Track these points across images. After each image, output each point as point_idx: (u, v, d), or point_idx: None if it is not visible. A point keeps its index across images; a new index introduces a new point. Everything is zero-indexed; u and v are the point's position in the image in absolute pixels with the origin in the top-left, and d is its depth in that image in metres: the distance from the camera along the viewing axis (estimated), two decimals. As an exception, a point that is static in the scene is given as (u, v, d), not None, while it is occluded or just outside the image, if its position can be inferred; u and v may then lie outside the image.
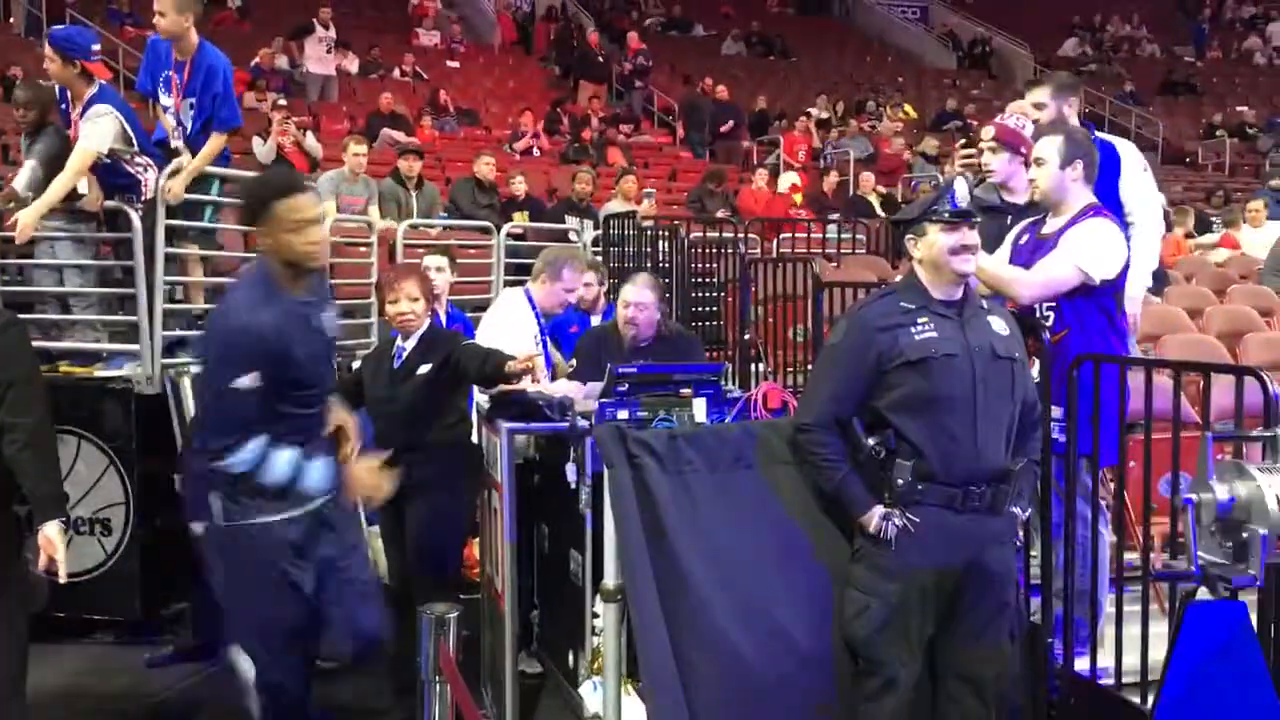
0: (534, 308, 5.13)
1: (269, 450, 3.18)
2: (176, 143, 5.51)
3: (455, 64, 18.10)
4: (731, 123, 16.15)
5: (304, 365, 3.25)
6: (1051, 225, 3.87)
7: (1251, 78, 23.11)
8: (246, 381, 3.10)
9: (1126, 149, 4.41)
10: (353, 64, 16.62)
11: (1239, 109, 20.55)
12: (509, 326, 4.99)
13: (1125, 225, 4.05)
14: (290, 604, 3.24)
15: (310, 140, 11.12)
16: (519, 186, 10.35)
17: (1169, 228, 10.83)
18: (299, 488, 3.24)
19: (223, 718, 3.58)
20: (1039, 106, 4.43)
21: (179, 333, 5.58)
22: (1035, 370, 3.61)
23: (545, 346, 5.08)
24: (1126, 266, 3.85)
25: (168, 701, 4.66)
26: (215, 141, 5.48)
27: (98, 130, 5.16)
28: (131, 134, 5.34)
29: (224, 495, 3.21)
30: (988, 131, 4.42)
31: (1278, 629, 2.98)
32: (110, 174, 5.30)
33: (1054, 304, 3.77)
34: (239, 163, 9.97)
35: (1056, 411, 3.63)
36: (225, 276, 5.95)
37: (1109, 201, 4.09)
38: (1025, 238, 3.94)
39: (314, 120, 13.43)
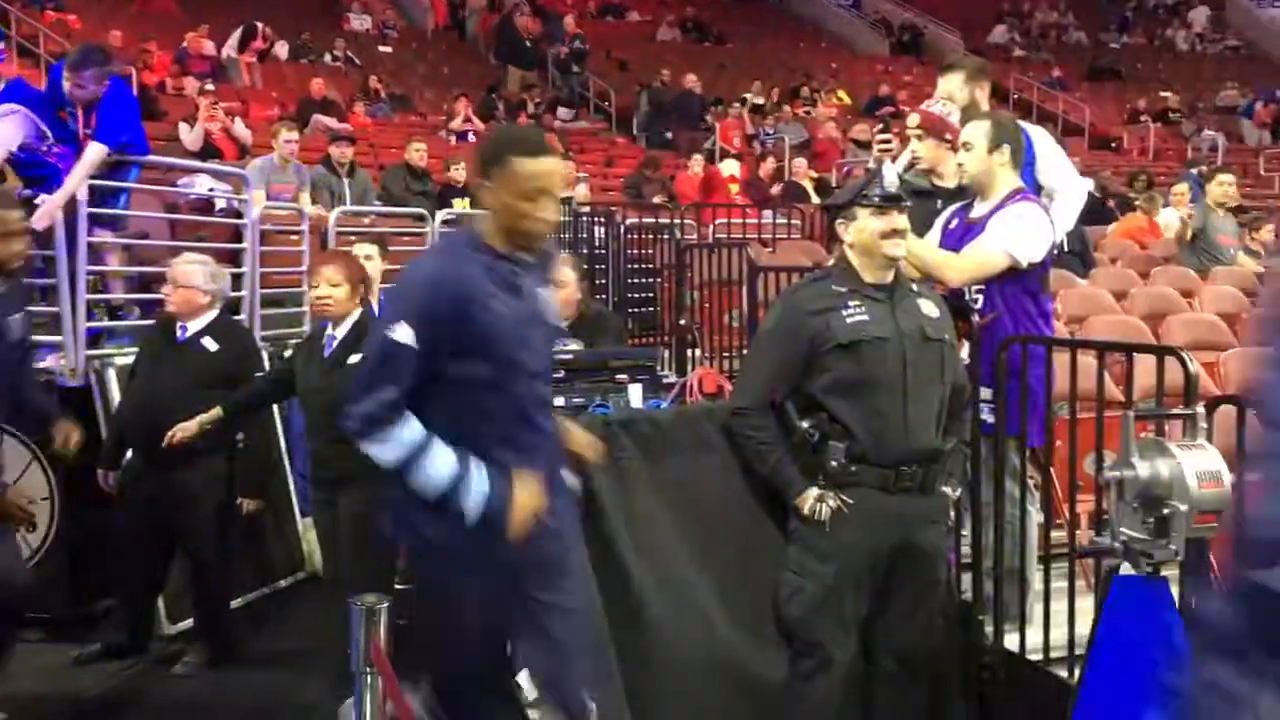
0: None
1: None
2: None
3: (388, 49, 17.88)
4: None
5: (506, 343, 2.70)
6: (979, 209, 3.91)
7: (1174, 64, 23.61)
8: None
9: (1037, 133, 4.50)
10: (282, 49, 16.35)
11: (1162, 94, 20.97)
12: None
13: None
14: None
15: (239, 126, 10.93)
16: (459, 173, 10.26)
17: (1126, 209, 11.06)
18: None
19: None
20: (950, 99, 4.50)
21: (103, 323, 5.46)
22: (965, 352, 3.66)
23: None
24: (1053, 249, 3.91)
25: (97, 699, 4.57)
26: (93, 152, 5.35)
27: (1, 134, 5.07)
28: (45, 128, 5.23)
29: None
30: (913, 119, 4.46)
31: (1198, 601, 3.06)
32: (28, 167, 5.19)
33: (982, 287, 3.82)
34: (164, 148, 9.81)
35: (986, 393, 3.69)
36: (150, 266, 5.84)
37: (1028, 185, 4.17)
38: (954, 222, 3.98)
39: (243, 106, 13.20)
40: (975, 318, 3.76)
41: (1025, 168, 4.30)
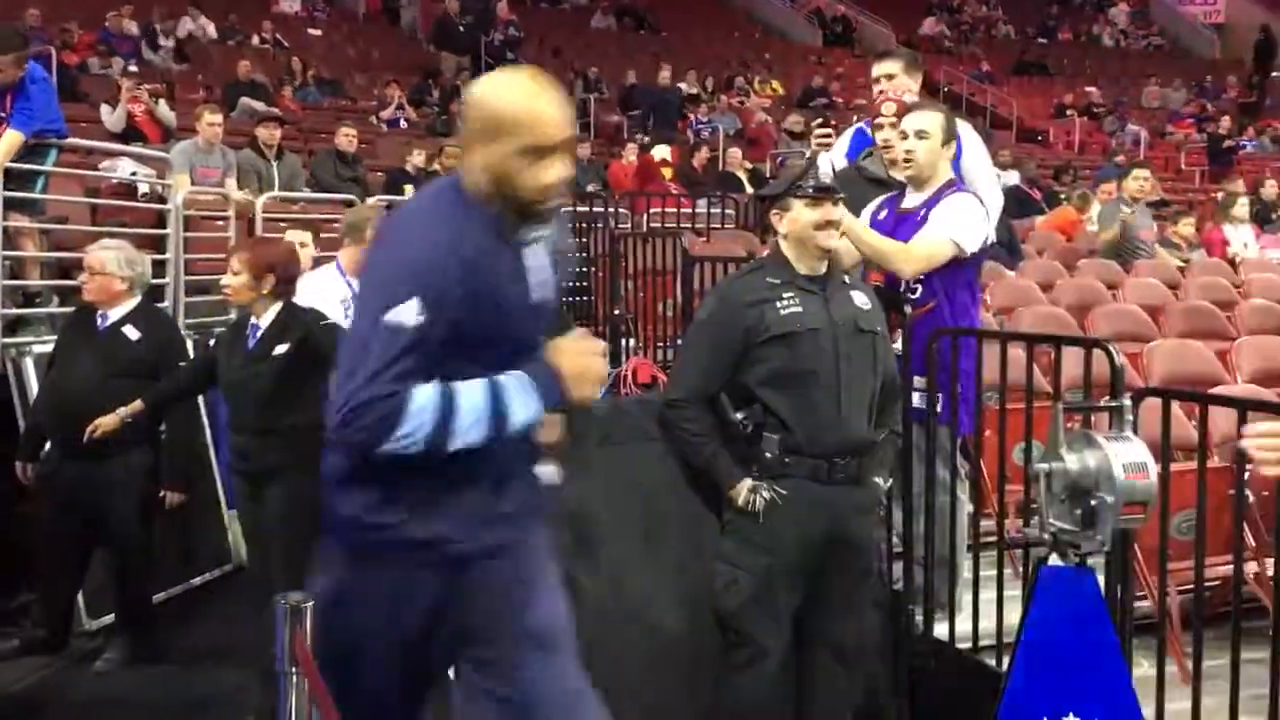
0: (344, 275, 4.94)
1: None
2: None
3: (317, 32, 17.59)
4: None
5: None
6: (912, 200, 3.93)
7: (1099, 60, 24.09)
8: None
9: (964, 127, 4.54)
10: (209, 29, 16.00)
11: (1087, 89, 21.40)
12: (308, 299, 4.78)
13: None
14: None
15: (163, 109, 10.65)
16: (418, 159, 10.21)
17: (1052, 202, 11.23)
18: None
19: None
20: (890, 77, 4.50)
21: (18, 311, 5.30)
22: (898, 344, 3.68)
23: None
24: (987, 241, 3.95)
25: (14, 697, 4.45)
26: (8, 140, 5.21)
27: None
28: None
29: None
30: (889, 107, 4.43)
31: (1123, 592, 3.11)
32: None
33: (922, 277, 3.84)
34: (85, 130, 9.54)
35: (920, 381, 3.72)
36: (68, 252, 5.68)
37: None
38: (884, 212, 3.99)
39: (167, 88, 12.88)
40: (909, 308, 3.78)
41: (953, 161, 4.33)
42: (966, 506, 3.87)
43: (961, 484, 3.85)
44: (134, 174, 7.67)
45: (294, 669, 1.99)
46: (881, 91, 4.52)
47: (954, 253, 3.78)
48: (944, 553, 3.73)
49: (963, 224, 3.79)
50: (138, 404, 4.46)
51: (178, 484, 4.80)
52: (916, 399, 3.71)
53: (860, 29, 22.84)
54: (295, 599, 2.07)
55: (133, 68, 12.60)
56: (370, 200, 8.19)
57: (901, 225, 3.88)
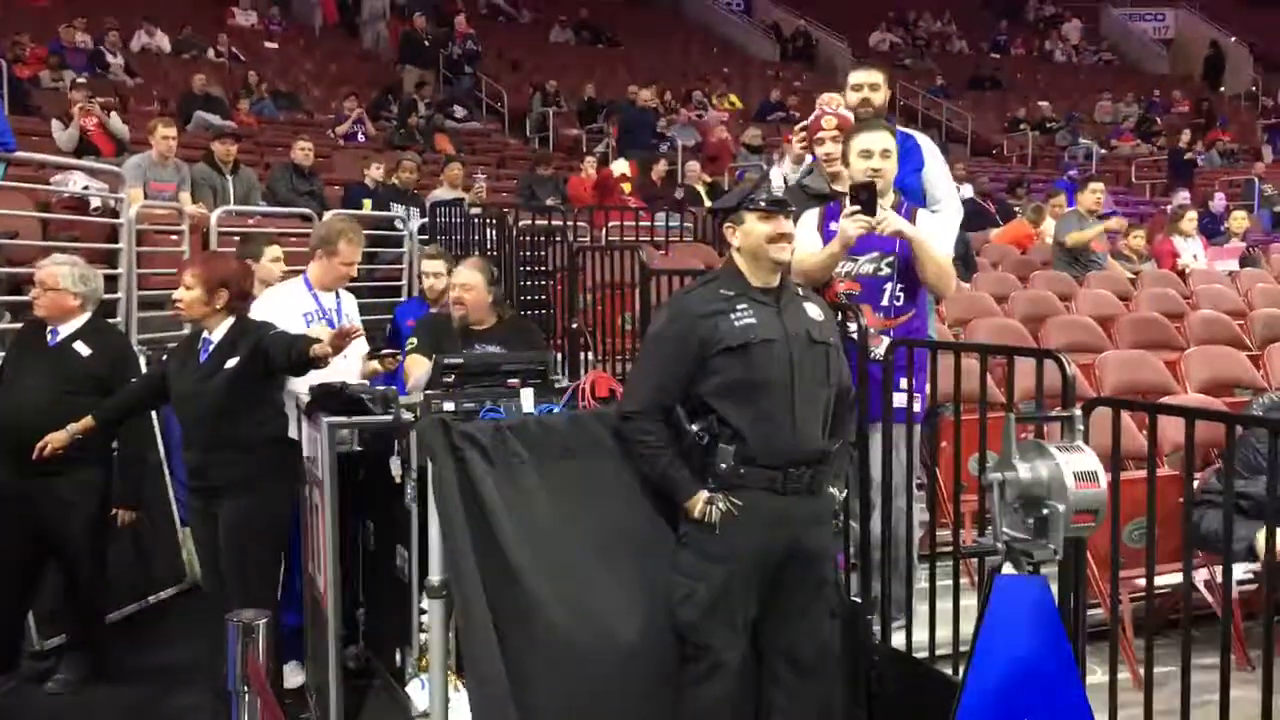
0: (310, 288, 4.86)
1: None
2: None
3: (274, 45, 17.47)
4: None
5: None
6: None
7: (1052, 75, 24.44)
8: None
9: (925, 140, 4.60)
10: (163, 42, 15.85)
11: (1040, 104, 21.69)
12: (271, 310, 4.75)
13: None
14: None
15: (116, 122, 10.54)
16: (377, 173, 10.16)
17: (1006, 215, 11.35)
18: None
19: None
20: (874, 87, 4.54)
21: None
22: (881, 349, 3.74)
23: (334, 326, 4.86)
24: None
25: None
26: None
27: None
28: None
29: None
30: (830, 121, 4.47)
31: (1076, 600, 3.15)
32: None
33: (904, 286, 3.92)
34: (37, 144, 9.43)
35: (905, 383, 3.74)
36: (20, 267, 5.60)
37: (914, 192, 4.26)
38: (827, 222, 4.03)
39: (120, 101, 12.75)
40: (862, 319, 3.81)
41: (912, 174, 4.37)
42: (921, 515, 3.90)
43: (915, 493, 3.88)
44: (86, 188, 7.58)
45: (246, 688, 1.97)
46: (824, 107, 4.55)
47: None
48: (900, 562, 3.75)
49: (949, 237, 3.94)
50: (88, 420, 4.40)
51: (129, 502, 4.73)
52: (901, 399, 3.74)
53: (818, 43, 23.01)
54: (247, 618, 2.05)
55: (81, 80, 12.42)
56: (328, 214, 8.12)
57: (869, 237, 3.88)
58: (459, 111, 16.16)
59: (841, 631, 3.61)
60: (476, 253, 7.75)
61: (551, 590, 3.30)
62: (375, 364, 4.93)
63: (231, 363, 4.12)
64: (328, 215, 8.10)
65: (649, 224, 9.50)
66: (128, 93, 13.55)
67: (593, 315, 6.64)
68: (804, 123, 4.65)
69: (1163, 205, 14.67)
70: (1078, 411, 2.86)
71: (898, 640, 3.72)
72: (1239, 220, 11.10)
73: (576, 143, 16.01)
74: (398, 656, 4.12)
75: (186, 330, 6.29)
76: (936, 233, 3.95)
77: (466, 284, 4.89)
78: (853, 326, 3.78)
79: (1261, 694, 2.74)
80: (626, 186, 13.03)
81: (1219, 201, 13.53)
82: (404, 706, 3.73)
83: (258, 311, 4.59)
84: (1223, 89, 23.99)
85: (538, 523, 3.35)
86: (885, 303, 3.93)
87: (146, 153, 8.30)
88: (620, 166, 13.64)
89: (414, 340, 4.97)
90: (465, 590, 3.23)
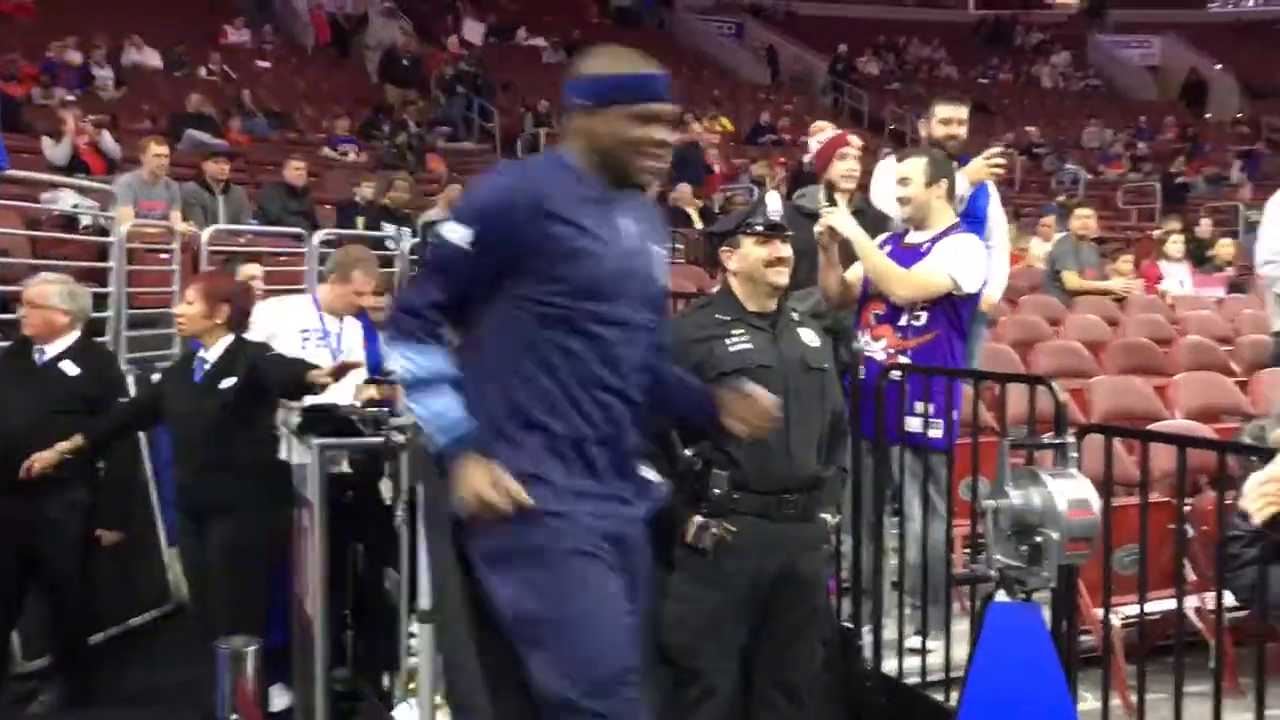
0: (318, 309, 4.88)
1: None
2: None
3: (266, 64, 17.49)
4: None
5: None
6: (916, 237, 4.10)
7: (1039, 100, 24.61)
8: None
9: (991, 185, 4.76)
10: (153, 59, 15.86)
11: (1027, 129, 21.83)
12: (270, 318, 4.73)
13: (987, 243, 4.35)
14: None
15: (107, 140, 10.53)
16: (368, 190, 10.19)
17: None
18: None
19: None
20: (961, 122, 4.69)
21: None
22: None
23: (329, 348, 4.85)
24: (983, 287, 4.10)
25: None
26: None
27: None
28: None
29: None
30: (856, 140, 4.62)
31: (1069, 627, 3.15)
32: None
33: (926, 307, 3.97)
34: (29, 162, 9.40)
35: (921, 407, 3.79)
36: (9, 285, 5.58)
37: (978, 223, 4.40)
38: (887, 249, 4.14)
39: (111, 118, 12.74)
40: (910, 336, 3.90)
41: (980, 204, 4.59)
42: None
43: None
44: (76, 206, 7.57)
45: (235, 716, 1.96)
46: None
47: (949, 287, 3.94)
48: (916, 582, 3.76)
49: (964, 262, 3.96)
50: (78, 439, 4.37)
51: (115, 523, 4.70)
52: (917, 424, 3.80)
53: (810, 68, 23.15)
54: (236, 644, 2.04)
55: (71, 97, 12.42)
56: (319, 234, 8.12)
57: (903, 259, 4.05)
58: (447, 131, 16.18)
59: (833, 657, 3.60)
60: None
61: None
62: (372, 390, 4.91)
63: (227, 383, 4.12)
64: (320, 238, 8.09)
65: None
66: (118, 110, 13.54)
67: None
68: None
69: (1149, 230, 14.73)
70: (1070, 438, 2.87)
71: (889, 666, 3.71)
72: (1225, 248, 11.16)
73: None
74: (385, 680, 4.09)
75: (176, 350, 6.30)
76: (942, 253, 3.99)
77: None
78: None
79: (1254, 722, 2.75)
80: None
81: (1205, 227, 13.59)
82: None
83: (259, 316, 4.61)
84: (1208, 115, 24.17)
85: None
86: (903, 322, 4.02)
87: (137, 171, 8.29)
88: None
89: None
90: (450, 612, 3.20)
